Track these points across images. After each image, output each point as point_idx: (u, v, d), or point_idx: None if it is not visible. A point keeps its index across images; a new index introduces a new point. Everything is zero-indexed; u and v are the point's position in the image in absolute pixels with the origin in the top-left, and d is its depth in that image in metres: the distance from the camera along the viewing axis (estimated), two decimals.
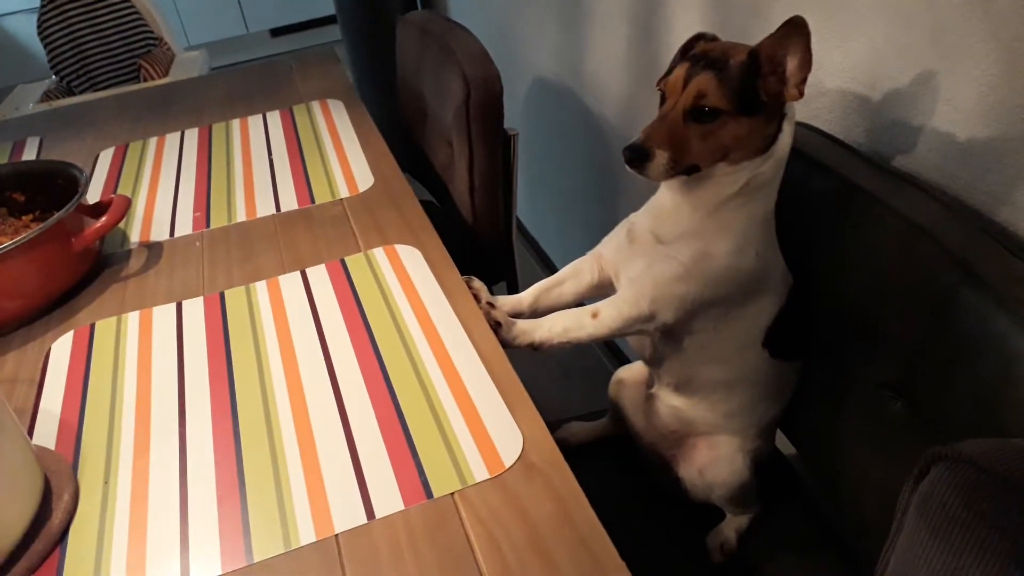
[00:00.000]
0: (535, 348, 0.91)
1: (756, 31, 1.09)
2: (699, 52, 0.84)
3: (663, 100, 0.85)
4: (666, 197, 0.90)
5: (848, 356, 0.89)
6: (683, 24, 1.29)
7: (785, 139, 0.84)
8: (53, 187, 1.14)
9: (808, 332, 0.94)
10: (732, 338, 0.92)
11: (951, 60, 0.81)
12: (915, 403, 0.80)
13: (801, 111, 1.03)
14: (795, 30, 0.77)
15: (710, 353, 0.94)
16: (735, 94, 0.80)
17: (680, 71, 0.83)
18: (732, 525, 1.03)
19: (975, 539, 0.51)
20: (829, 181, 0.90)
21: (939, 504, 0.54)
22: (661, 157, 0.82)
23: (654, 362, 1.01)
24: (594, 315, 0.89)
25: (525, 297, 1.00)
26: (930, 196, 0.82)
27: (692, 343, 0.93)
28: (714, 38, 0.88)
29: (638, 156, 0.82)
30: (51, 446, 0.80)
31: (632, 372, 1.13)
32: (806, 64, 0.78)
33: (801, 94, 0.80)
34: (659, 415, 1.04)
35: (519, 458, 0.71)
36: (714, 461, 1.00)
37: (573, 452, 1.15)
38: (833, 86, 0.98)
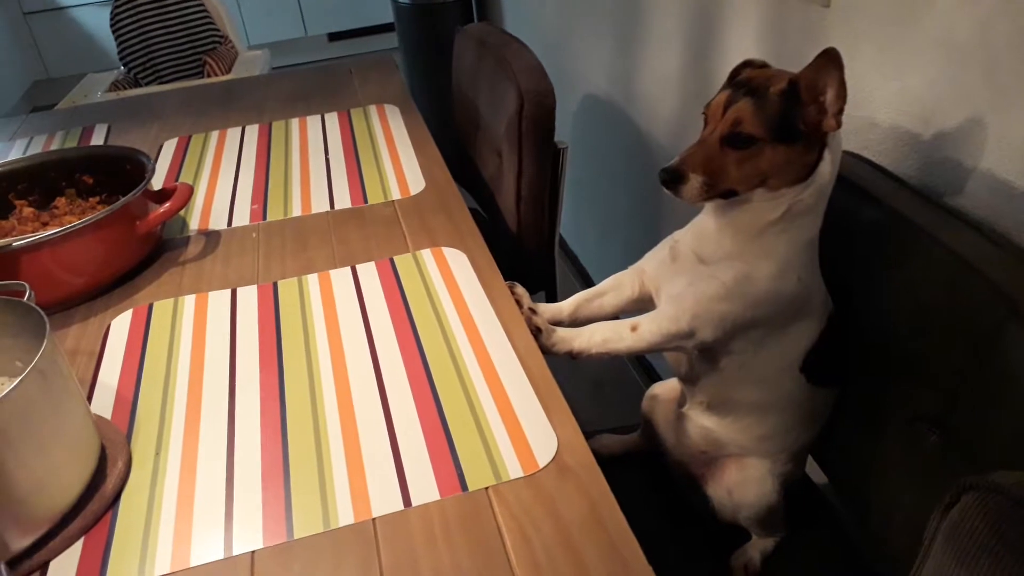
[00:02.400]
0: (573, 356, 0.93)
1: (811, 58, 1.10)
2: (743, 79, 0.85)
3: (706, 124, 0.87)
4: (709, 219, 0.92)
5: (886, 386, 0.89)
6: (738, 49, 1.30)
7: (825, 168, 0.84)
8: (120, 172, 1.19)
9: (846, 359, 0.95)
10: (770, 361, 0.93)
11: (1005, 99, 0.82)
12: (951, 437, 0.80)
13: (852, 142, 1.04)
14: (830, 61, 0.78)
15: (747, 374, 0.94)
16: (773, 122, 0.81)
17: (721, 97, 0.85)
18: (757, 547, 1.03)
19: (1002, 568, 0.52)
20: (877, 211, 0.90)
21: (968, 532, 0.55)
22: (695, 180, 0.84)
23: (689, 379, 1.02)
24: (634, 328, 0.91)
25: (565, 306, 1.02)
26: (978, 232, 0.83)
27: (730, 363, 0.94)
28: (763, 64, 0.89)
29: (672, 178, 0.85)
30: (107, 416, 0.84)
31: (666, 389, 1.14)
32: (842, 95, 0.79)
33: (839, 124, 0.81)
34: (690, 434, 1.04)
35: (553, 459, 0.73)
36: (743, 482, 1.01)
37: (603, 464, 1.16)
38: (885, 118, 0.99)
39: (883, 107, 0.99)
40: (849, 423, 0.97)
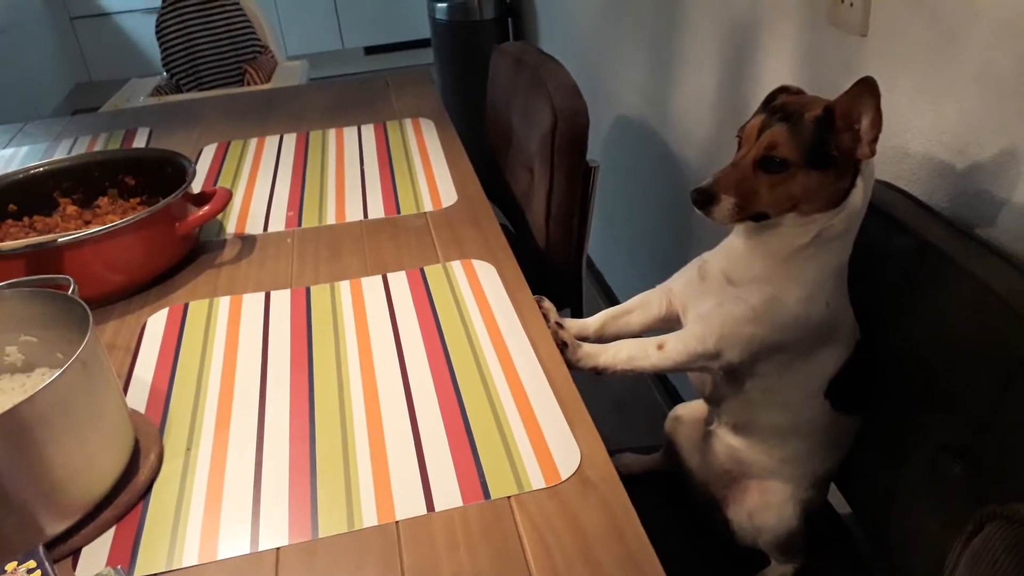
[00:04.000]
0: (598, 372, 0.94)
1: (846, 87, 1.11)
2: (778, 104, 0.86)
3: (740, 147, 0.88)
4: (739, 241, 0.92)
5: (911, 415, 0.89)
6: (774, 74, 1.31)
7: (858, 195, 0.85)
8: (162, 174, 1.23)
9: (872, 387, 0.94)
10: (795, 385, 0.93)
11: None
12: (976, 468, 0.79)
13: (885, 171, 1.04)
14: (866, 90, 0.79)
15: (771, 398, 0.95)
16: (806, 147, 0.82)
17: (756, 121, 0.86)
18: (776, 572, 1.03)
19: None
20: (907, 240, 0.90)
21: (990, 562, 0.55)
22: (727, 202, 0.85)
23: (713, 401, 1.02)
24: (660, 347, 0.92)
25: (592, 322, 1.03)
26: (1010, 265, 0.82)
27: (754, 386, 0.94)
28: (799, 91, 0.90)
29: (704, 199, 0.86)
30: (141, 410, 0.86)
31: (690, 410, 1.14)
32: (877, 123, 0.80)
33: (873, 152, 0.82)
34: (715, 453, 1.05)
35: (576, 472, 0.74)
36: (764, 506, 1.00)
37: (624, 482, 1.16)
38: (920, 148, 0.99)
39: (918, 137, 0.99)
40: (873, 452, 0.96)
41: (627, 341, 0.95)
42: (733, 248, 0.93)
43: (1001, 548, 0.53)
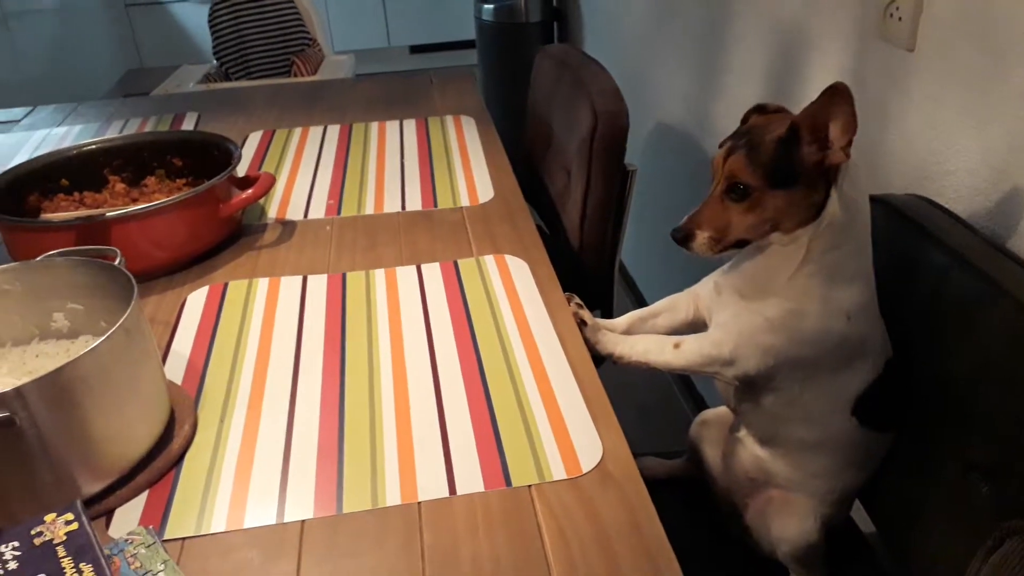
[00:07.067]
0: (614, 360, 0.95)
1: (893, 103, 1.10)
2: (745, 129, 0.87)
3: (713, 178, 0.88)
4: (745, 262, 0.92)
5: (940, 433, 0.88)
6: (819, 86, 1.30)
7: (833, 205, 0.83)
8: (208, 157, 1.26)
9: (904, 407, 0.93)
10: (818, 401, 0.92)
11: None
12: (1004, 489, 0.78)
13: (926, 187, 1.04)
14: (838, 95, 0.79)
15: (794, 412, 0.94)
16: (767, 170, 0.82)
17: (722, 151, 0.86)
18: None
19: None
20: (944, 257, 0.90)
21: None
22: (702, 236, 0.87)
23: (737, 412, 1.02)
24: (676, 345, 0.92)
25: (619, 323, 1.04)
26: None
27: (775, 401, 0.93)
28: (777, 109, 0.90)
29: (682, 236, 0.88)
30: (178, 382, 0.89)
31: (716, 415, 1.14)
32: (850, 127, 0.80)
33: (847, 156, 0.81)
34: (740, 460, 1.04)
35: (597, 466, 0.75)
36: (786, 518, 1.00)
37: (646, 486, 1.16)
38: (963, 166, 0.98)
39: (961, 154, 0.98)
40: (899, 469, 0.95)
41: (647, 336, 0.97)
42: (741, 269, 0.93)
43: (1021, 564, 0.53)
